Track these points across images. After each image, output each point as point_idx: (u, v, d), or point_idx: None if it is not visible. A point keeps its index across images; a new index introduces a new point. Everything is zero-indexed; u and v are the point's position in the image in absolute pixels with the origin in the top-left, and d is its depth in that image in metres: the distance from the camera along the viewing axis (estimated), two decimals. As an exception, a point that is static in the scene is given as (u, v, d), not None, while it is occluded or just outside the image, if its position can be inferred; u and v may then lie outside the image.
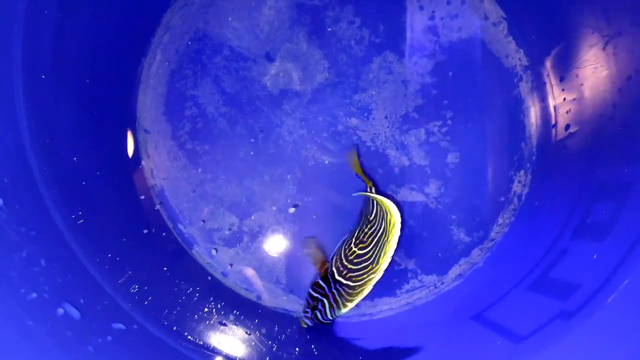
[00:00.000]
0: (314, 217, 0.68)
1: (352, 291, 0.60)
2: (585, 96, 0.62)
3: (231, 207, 0.69)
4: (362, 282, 0.60)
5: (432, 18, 0.67)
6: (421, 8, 0.67)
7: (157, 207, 0.68)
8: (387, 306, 0.69)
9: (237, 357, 0.61)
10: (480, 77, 0.68)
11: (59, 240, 0.52)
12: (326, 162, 0.68)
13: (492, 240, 0.68)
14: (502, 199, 0.68)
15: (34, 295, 0.44)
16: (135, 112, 0.68)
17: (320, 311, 0.61)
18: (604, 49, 0.58)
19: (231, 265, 0.68)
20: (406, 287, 0.69)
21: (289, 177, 0.68)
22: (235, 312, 0.66)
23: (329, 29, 0.67)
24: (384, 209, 0.60)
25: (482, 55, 0.68)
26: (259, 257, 0.69)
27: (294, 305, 0.69)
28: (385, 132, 0.68)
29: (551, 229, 0.63)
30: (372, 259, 0.60)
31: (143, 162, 0.68)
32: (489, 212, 0.68)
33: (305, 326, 0.63)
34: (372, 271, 0.60)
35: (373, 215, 0.62)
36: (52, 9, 0.54)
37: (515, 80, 0.68)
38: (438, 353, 0.61)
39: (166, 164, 0.69)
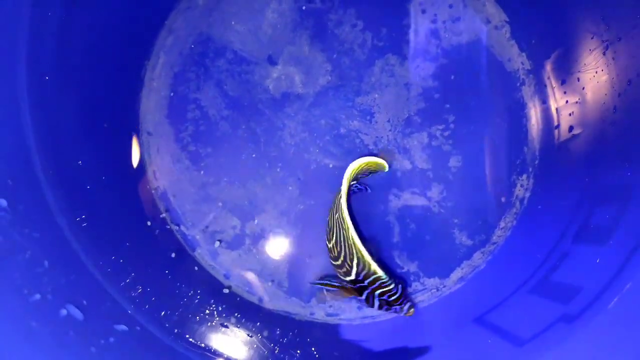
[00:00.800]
0: (316, 220, 0.68)
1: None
2: (587, 100, 0.62)
3: (233, 209, 0.69)
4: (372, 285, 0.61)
5: (434, 21, 0.67)
6: (423, 11, 0.67)
7: (163, 214, 0.68)
8: (389, 309, 0.69)
9: (238, 360, 0.61)
10: (482, 81, 0.68)
11: (62, 242, 0.52)
12: (328, 165, 0.68)
13: (494, 243, 0.68)
14: (504, 202, 0.68)
15: (37, 296, 0.45)
16: (138, 114, 0.68)
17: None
18: (604, 53, 0.59)
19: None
20: (408, 290, 0.69)
21: (291, 180, 0.68)
22: (236, 314, 0.66)
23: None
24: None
25: (485, 59, 0.68)
26: (261, 260, 0.69)
27: (296, 308, 0.69)
28: (387, 136, 0.68)
29: (553, 232, 0.63)
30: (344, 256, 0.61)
31: (146, 165, 0.69)
32: (491, 216, 0.68)
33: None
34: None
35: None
36: (56, 11, 0.54)
37: (518, 83, 0.68)
38: (440, 356, 0.61)
39: (169, 166, 0.69)
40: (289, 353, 0.65)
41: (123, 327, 0.51)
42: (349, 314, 0.69)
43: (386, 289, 0.61)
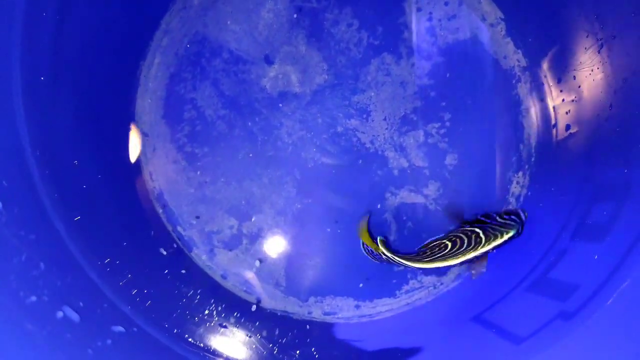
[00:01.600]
0: (313, 219, 0.68)
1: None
2: (584, 97, 0.62)
3: (230, 209, 0.69)
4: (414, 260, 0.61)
5: (429, 19, 0.67)
6: (419, 10, 0.67)
7: (160, 215, 0.68)
8: (387, 307, 0.69)
9: (237, 360, 0.61)
10: (478, 78, 0.68)
11: (59, 243, 0.52)
12: (325, 163, 0.68)
13: (492, 241, 0.69)
14: (500, 200, 0.68)
15: (34, 298, 0.44)
16: (134, 115, 0.68)
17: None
18: (599, 52, 0.59)
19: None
20: (405, 287, 0.69)
21: (288, 179, 0.68)
22: (235, 314, 0.66)
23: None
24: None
25: (480, 56, 0.68)
26: (259, 260, 0.69)
27: (294, 307, 0.69)
28: (384, 134, 0.68)
29: (550, 229, 0.63)
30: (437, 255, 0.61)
31: (142, 165, 0.68)
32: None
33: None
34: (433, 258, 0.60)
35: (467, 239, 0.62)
36: (50, 11, 0.54)
37: (514, 81, 0.68)
38: (438, 354, 0.61)
39: (165, 167, 0.69)
40: (288, 353, 0.65)
41: (120, 329, 0.51)
42: (347, 313, 0.69)
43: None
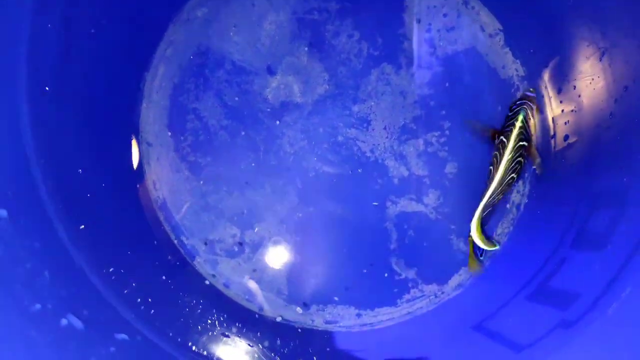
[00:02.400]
0: (315, 227, 0.69)
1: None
2: (584, 107, 0.62)
3: (233, 218, 0.69)
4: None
5: (429, 30, 0.68)
6: (418, 21, 0.68)
7: (163, 224, 0.69)
8: (388, 316, 0.69)
9: (239, 369, 0.61)
10: (477, 88, 0.68)
11: (63, 252, 0.52)
12: (327, 172, 0.69)
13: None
14: (501, 208, 0.69)
15: (38, 306, 0.45)
16: (138, 125, 0.69)
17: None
18: (600, 60, 0.59)
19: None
20: (407, 296, 0.69)
21: (290, 188, 0.69)
22: (237, 324, 0.67)
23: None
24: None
25: (479, 66, 0.68)
26: (261, 268, 0.69)
27: (296, 316, 0.69)
28: (384, 143, 0.68)
29: (550, 238, 0.63)
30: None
31: (145, 175, 0.69)
32: (488, 222, 0.69)
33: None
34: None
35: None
36: (56, 23, 0.55)
37: (512, 90, 0.69)
38: (439, 363, 0.61)
39: (169, 176, 0.69)
40: (290, 363, 0.65)
41: (124, 337, 0.51)
42: (348, 322, 0.69)
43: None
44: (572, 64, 0.63)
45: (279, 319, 0.69)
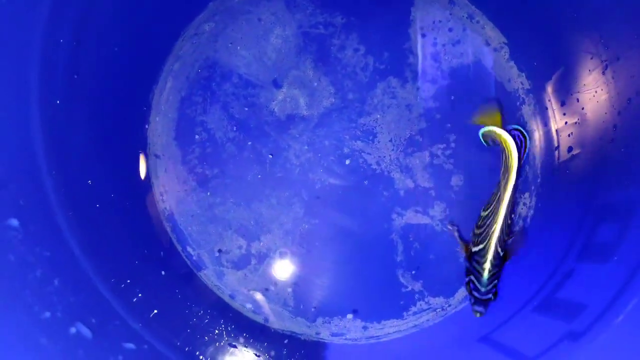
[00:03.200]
0: (321, 239, 0.69)
1: (481, 256, 0.61)
2: (587, 119, 0.63)
3: (239, 229, 0.70)
4: (486, 241, 0.60)
5: (434, 45, 0.69)
6: (424, 35, 0.69)
7: (170, 235, 0.69)
8: (394, 328, 0.69)
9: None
10: (482, 102, 0.69)
11: (72, 260, 0.53)
12: (332, 184, 0.69)
13: (498, 261, 0.69)
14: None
15: (48, 314, 0.45)
16: (146, 137, 0.70)
17: (474, 289, 0.62)
18: (603, 73, 0.60)
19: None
20: (413, 309, 0.69)
21: (296, 199, 0.69)
22: (244, 334, 0.67)
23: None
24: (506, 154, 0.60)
25: (485, 80, 0.69)
26: (267, 280, 0.69)
27: (302, 327, 0.69)
28: (390, 155, 0.69)
29: (557, 250, 0.63)
30: (492, 215, 0.60)
31: (153, 186, 0.70)
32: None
33: (479, 315, 0.63)
34: (492, 224, 0.60)
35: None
36: (67, 38, 0.56)
37: (518, 103, 0.69)
38: (445, 375, 0.61)
39: (176, 187, 0.70)
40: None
41: (131, 346, 0.52)
42: (354, 334, 0.69)
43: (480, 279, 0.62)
44: (575, 76, 0.64)
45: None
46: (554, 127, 0.67)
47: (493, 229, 0.60)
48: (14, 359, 0.41)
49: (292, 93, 0.70)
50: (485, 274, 0.61)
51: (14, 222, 0.47)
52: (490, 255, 0.60)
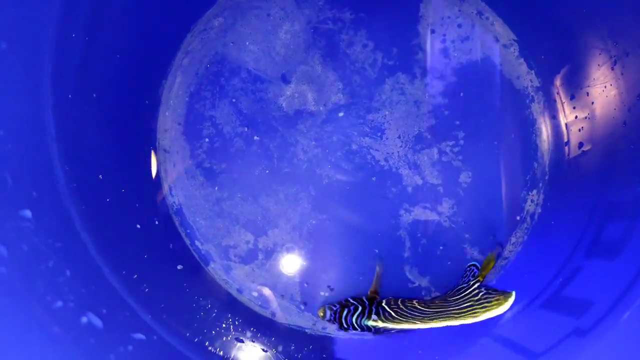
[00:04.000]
0: (328, 234, 0.69)
1: (390, 318, 0.60)
2: (597, 115, 0.63)
3: (247, 224, 0.70)
4: (404, 321, 0.60)
5: (443, 41, 0.69)
6: (433, 31, 0.69)
7: (178, 225, 0.70)
8: (401, 324, 0.69)
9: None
10: (491, 98, 0.69)
11: (83, 252, 0.53)
12: (340, 180, 0.69)
13: (506, 258, 0.69)
14: (515, 218, 0.69)
15: (60, 303, 0.46)
16: (155, 132, 0.70)
17: (349, 311, 0.62)
18: (612, 68, 0.60)
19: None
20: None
21: (303, 195, 0.70)
22: (252, 328, 0.67)
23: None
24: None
25: (494, 77, 0.69)
26: (274, 274, 0.70)
27: (309, 322, 0.69)
28: (398, 152, 0.69)
29: (564, 247, 0.63)
30: (426, 316, 0.60)
31: (162, 181, 0.70)
32: (502, 231, 0.69)
33: (321, 314, 0.64)
34: (418, 320, 0.59)
35: (466, 298, 0.61)
36: (79, 34, 0.56)
37: (527, 100, 0.69)
38: (452, 370, 0.61)
39: (184, 182, 0.70)
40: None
41: (141, 336, 0.52)
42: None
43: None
44: (585, 71, 0.63)
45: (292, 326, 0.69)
46: (563, 121, 0.67)
47: (409, 325, 0.59)
48: (29, 346, 0.41)
49: (301, 88, 0.70)
50: (371, 323, 0.61)
51: (27, 213, 0.47)
52: (380, 326, 0.60)
